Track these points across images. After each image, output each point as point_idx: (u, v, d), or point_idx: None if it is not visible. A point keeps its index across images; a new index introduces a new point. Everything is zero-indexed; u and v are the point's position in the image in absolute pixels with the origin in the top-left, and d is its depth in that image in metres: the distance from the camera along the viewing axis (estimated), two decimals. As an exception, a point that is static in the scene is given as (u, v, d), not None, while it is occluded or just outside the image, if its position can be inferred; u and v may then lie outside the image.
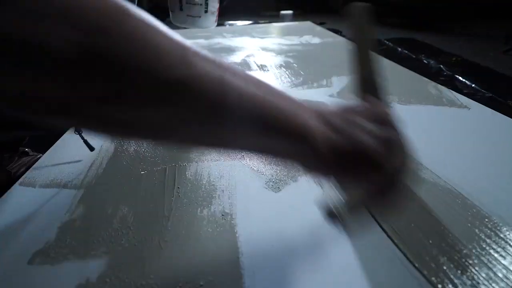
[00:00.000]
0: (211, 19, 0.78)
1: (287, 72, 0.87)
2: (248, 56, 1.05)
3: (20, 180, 0.43)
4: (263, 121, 0.18)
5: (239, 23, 1.97)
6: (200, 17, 0.74)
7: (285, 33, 1.46)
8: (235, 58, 1.02)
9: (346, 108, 0.23)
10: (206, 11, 0.74)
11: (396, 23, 1.95)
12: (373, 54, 0.27)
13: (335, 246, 0.32)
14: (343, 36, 1.54)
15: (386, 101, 0.27)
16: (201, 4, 0.73)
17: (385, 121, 0.23)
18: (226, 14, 2.16)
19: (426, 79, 0.78)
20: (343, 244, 0.32)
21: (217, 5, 0.77)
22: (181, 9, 0.72)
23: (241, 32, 1.50)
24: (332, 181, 0.23)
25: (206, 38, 1.37)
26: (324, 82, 0.77)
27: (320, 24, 1.87)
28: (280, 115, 0.19)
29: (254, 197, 0.39)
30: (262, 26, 1.69)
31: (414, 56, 1.20)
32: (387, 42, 1.44)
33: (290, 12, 1.90)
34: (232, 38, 1.37)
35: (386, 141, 0.21)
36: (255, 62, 0.97)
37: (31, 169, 0.46)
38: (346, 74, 0.83)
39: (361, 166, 0.21)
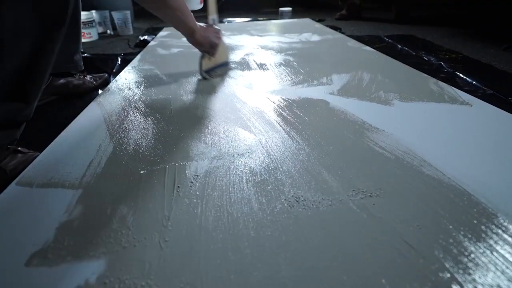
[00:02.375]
0: (196, 0, 0.88)
1: (286, 70, 0.86)
2: (247, 54, 1.04)
3: (17, 179, 0.43)
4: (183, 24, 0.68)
5: (238, 20, 1.96)
6: None
7: (284, 30, 1.45)
8: (234, 57, 1.01)
9: (206, 27, 0.74)
10: None
11: (394, 19, 1.94)
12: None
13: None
14: (343, 33, 1.53)
15: (216, 27, 0.76)
16: None
17: (216, 32, 0.77)
18: (224, 11, 2.14)
19: (427, 75, 0.77)
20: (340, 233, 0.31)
21: None
22: None
23: (240, 30, 1.49)
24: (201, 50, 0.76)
25: (205, 36, 1.36)
26: (324, 80, 0.77)
27: (319, 21, 1.86)
28: (188, 24, 0.67)
29: (253, 196, 0.38)
30: (261, 24, 1.68)
31: (414, 53, 1.20)
32: (387, 39, 1.44)
33: (289, 9, 1.89)
34: (231, 36, 1.36)
35: (217, 38, 0.77)
36: (254, 61, 0.96)
37: (27, 168, 0.45)
38: (346, 71, 0.82)
39: (211, 45, 0.76)
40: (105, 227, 0.34)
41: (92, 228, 0.34)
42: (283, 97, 0.67)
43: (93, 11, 1.61)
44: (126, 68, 0.93)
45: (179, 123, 0.57)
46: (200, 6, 0.85)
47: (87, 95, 0.86)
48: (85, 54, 1.21)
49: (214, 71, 0.83)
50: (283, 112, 0.60)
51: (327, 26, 1.61)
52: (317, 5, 2.62)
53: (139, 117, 0.60)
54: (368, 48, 1.06)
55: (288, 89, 0.72)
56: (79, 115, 0.62)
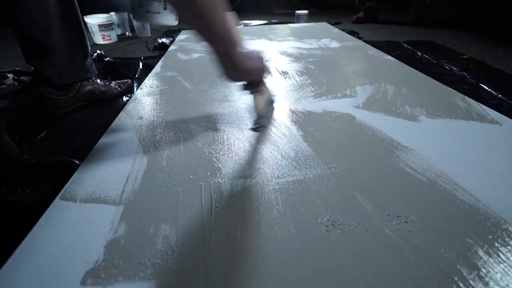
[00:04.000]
0: (171, 16, 0.84)
1: (309, 80, 0.86)
2: (267, 61, 1.04)
3: (61, 194, 0.45)
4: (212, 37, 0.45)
5: (254, 22, 1.96)
6: (159, 13, 0.80)
7: (302, 35, 1.45)
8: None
9: (247, 52, 0.51)
10: (165, 8, 0.79)
11: (412, 21, 1.92)
12: None
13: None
14: (360, 38, 1.52)
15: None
16: (159, 1, 0.78)
17: (261, 59, 0.54)
18: (239, 13, 2.16)
19: (452, 90, 0.77)
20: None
21: None
22: (140, 4, 0.78)
23: (258, 34, 1.50)
24: (240, 84, 0.57)
25: (223, 40, 1.37)
26: (348, 92, 0.77)
27: (335, 24, 1.84)
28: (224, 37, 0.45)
29: (290, 219, 0.39)
30: (278, 27, 1.68)
31: (435, 62, 1.18)
32: (406, 45, 1.42)
33: (305, 12, 1.88)
34: (249, 40, 1.37)
35: (261, 69, 0.55)
36: (276, 69, 0.96)
37: (68, 183, 0.47)
38: (369, 83, 0.82)
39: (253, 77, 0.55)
40: (151, 247, 0.35)
41: (138, 248, 0.35)
42: (308, 110, 0.68)
43: (113, 13, 1.64)
44: (149, 75, 0.94)
45: (208, 137, 0.58)
46: (175, 23, 0.84)
47: (113, 101, 0.88)
48: (107, 58, 1.24)
49: (266, 115, 0.61)
50: (309, 127, 0.60)
51: (343, 30, 1.60)
52: (331, 7, 2.60)
53: (169, 129, 0.62)
54: (389, 57, 1.05)
55: (313, 102, 0.72)
56: (111, 125, 0.64)
